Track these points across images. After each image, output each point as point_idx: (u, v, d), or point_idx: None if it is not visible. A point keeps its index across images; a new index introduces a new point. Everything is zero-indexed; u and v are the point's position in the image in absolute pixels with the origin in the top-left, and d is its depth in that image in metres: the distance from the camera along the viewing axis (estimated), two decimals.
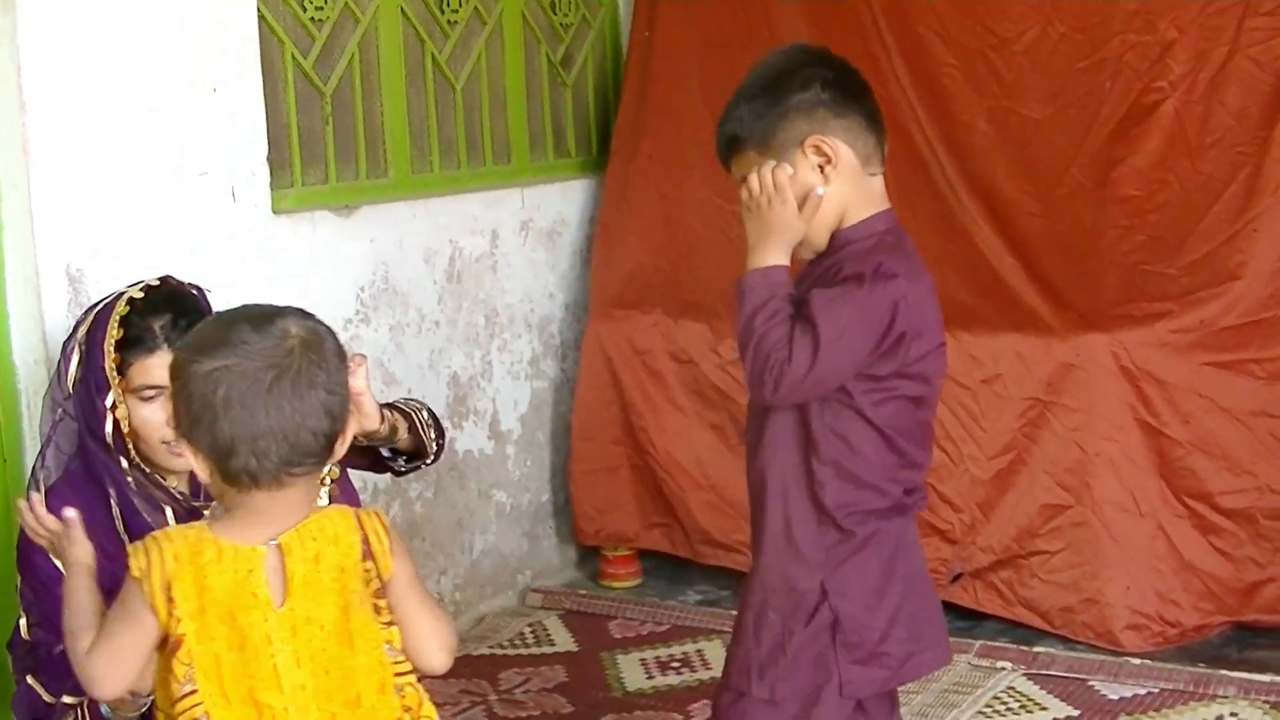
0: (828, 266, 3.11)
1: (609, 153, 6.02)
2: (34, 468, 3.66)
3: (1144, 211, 5.06)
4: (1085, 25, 5.21)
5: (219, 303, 4.24)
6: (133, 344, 3.45)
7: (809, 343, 2.98)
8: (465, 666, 4.92)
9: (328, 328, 2.64)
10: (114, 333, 3.46)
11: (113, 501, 3.50)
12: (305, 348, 2.54)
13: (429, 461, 3.84)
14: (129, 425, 3.47)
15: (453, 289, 5.27)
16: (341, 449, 2.61)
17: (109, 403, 3.46)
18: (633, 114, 5.96)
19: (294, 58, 4.83)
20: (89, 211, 4.10)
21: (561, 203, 5.87)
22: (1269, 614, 4.89)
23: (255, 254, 4.57)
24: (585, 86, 6.14)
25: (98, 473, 3.50)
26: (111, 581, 3.40)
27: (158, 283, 3.57)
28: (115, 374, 3.44)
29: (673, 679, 4.84)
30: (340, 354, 2.62)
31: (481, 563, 5.47)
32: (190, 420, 2.52)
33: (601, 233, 5.88)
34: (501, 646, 5.16)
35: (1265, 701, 4.44)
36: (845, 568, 3.08)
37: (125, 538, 3.49)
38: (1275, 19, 4.98)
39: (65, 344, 3.58)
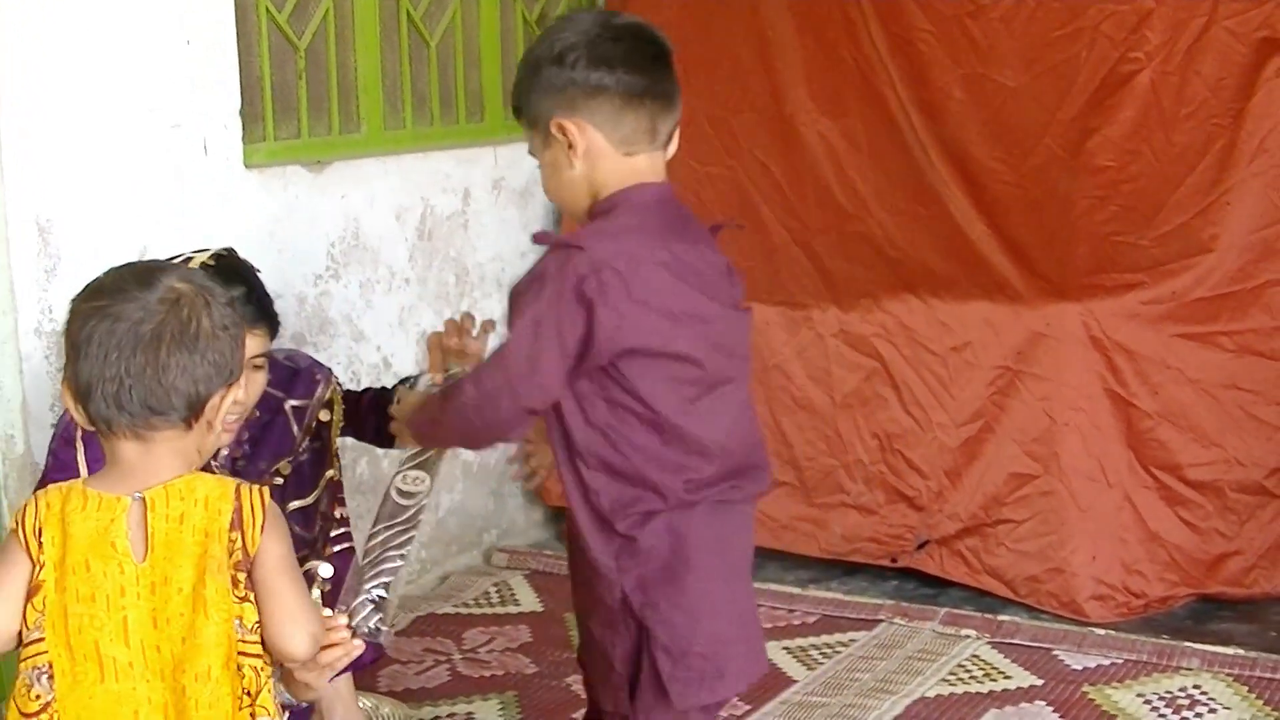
0: None
1: None
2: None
3: (1117, 182, 5.05)
4: None
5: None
6: None
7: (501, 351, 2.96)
8: (430, 625, 4.92)
9: (220, 296, 2.60)
10: None
11: None
12: (180, 306, 2.51)
13: None
14: None
15: (424, 246, 5.25)
16: (214, 416, 2.59)
17: None
18: None
19: (269, 11, 4.79)
20: (59, 162, 4.07)
21: (535, 162, 5.83)
22: (1234, 586, 4.92)
23: (226, 207, 4.54)
24: None
25: None
26: None
27: (224, 253, 3.60)
28: None
29: None
30: (230, 323, 2.59)
31: (447, 521, 5.46)
32: (65, 359, 2.53)
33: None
34: (466, 605, 5.15)
35: (1228, 674, 4.45)
36: (641, 574, 2.95)
37: None
38: None
39: None
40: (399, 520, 3.35)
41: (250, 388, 3.55)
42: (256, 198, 4.67)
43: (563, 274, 2.84)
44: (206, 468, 3.48)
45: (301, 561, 3.74)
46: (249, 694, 2.57)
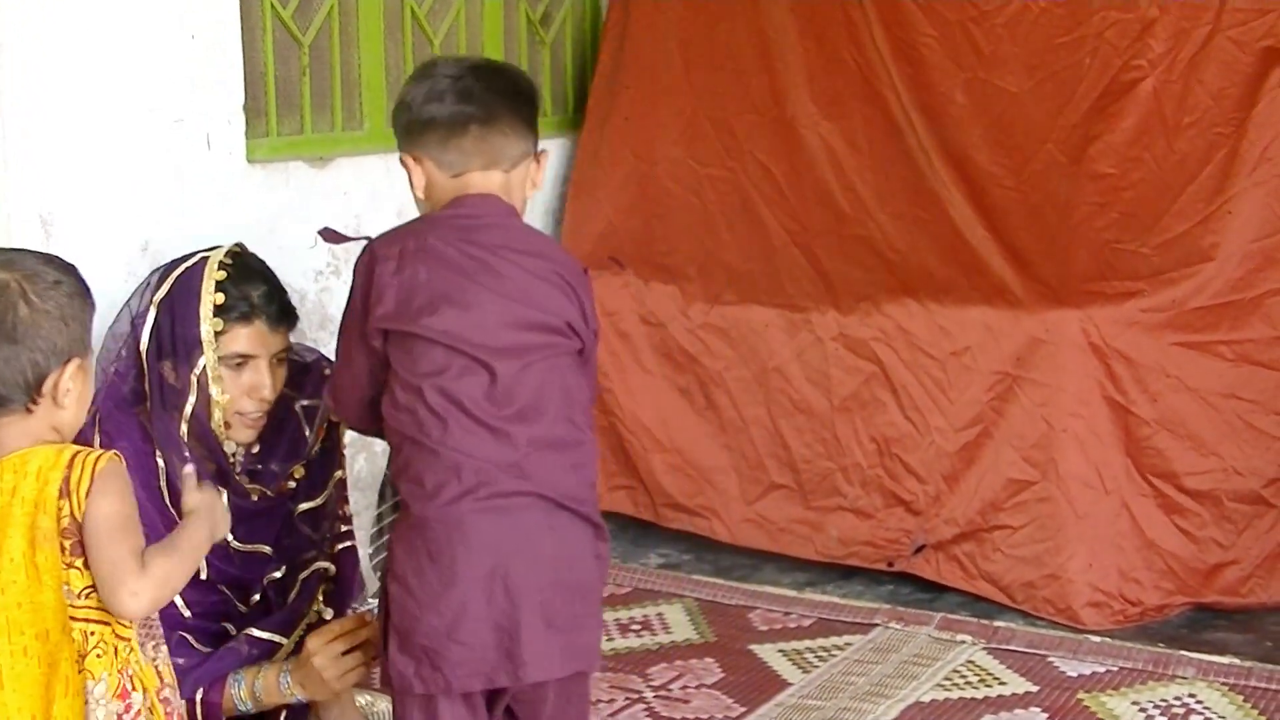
0: None
1: (584, 112, 6.01)
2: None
3: (1118, 189, 5.06)
4: (1066, 0, 5.20)
5: (191, 249, 4.24)
6: (229, 310, 3.53)
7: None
8: None
9: (46, 278, 2.75)
10: (212, 298, 3.49)
11: (160, 467, 3.52)
12: (10, 294, 2.67)
13: None
14: (221, 394, 3.52)
15: None
16: (60, 393, 2.73)
17: (197, 371, 3.51)
18: (610, 74, 5.94)
19: (273, 7, 4.80)
20: (62, 157, 4.06)
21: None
22: (1230, 596, 4.91)
23: (228, 203, 4.54)
24: (563, 45, 6.12)
25: (154, 434, 3.54)
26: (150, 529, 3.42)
27: (238, 248, 3.64)
28: (214, 341, 3.50)
29: (633, 641, 4.83)
30: (56, 305, 2.72)
31: None
32: None
33: (574, 192, 5.87)
34: None
35: (1224, 683, 4.45)
36: (395, 550, 3.10)
37: (166, 494, 3.50)
38: (1257, 0, 4.98)
39: (135, 305, 3.59)
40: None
41: (275, 383, 3.61)
42: (259, 193, 4.67)
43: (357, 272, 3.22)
44: (228, 471, 3.54)
45: (308, 563, 3.76)
46: (81, 655, 2.71)
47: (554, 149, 5.94)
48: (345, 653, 3.52)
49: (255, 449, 3.70)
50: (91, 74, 4.13)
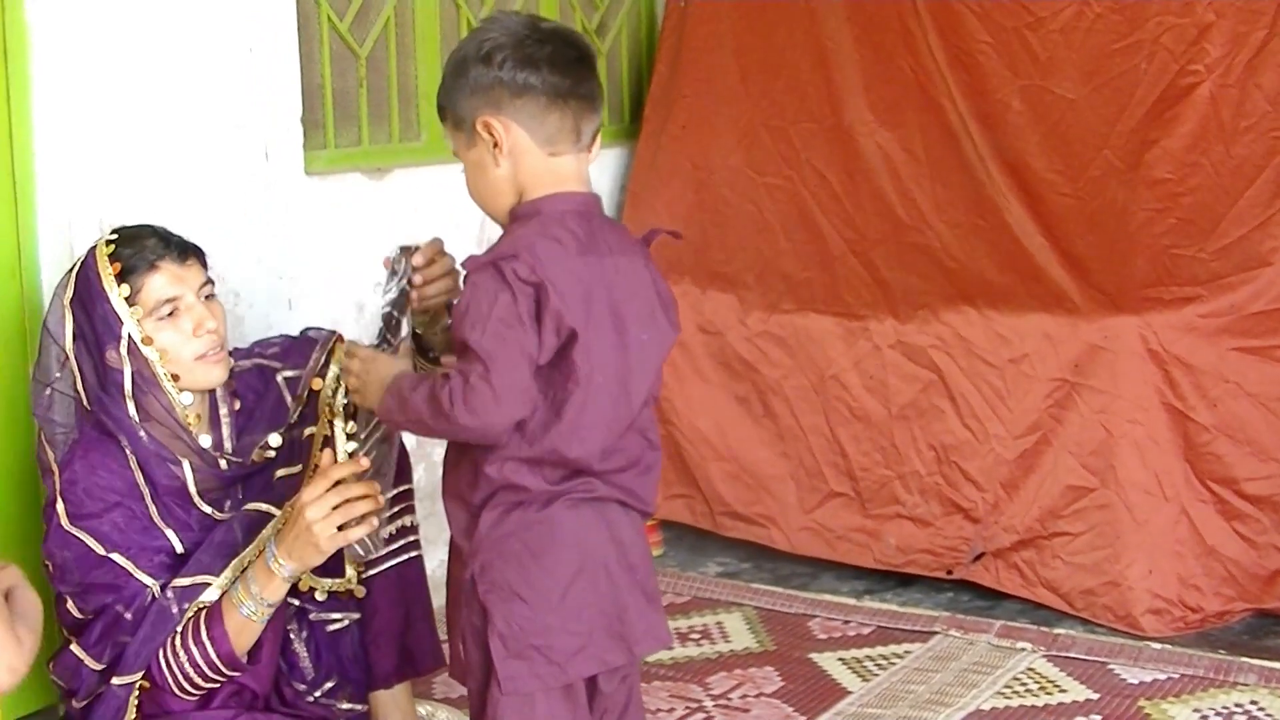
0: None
1: (641, 121, 6.02)
2: (39, 451, 3.67)
3: (1176, 194, 5.04)
4: (1122, 6, 5.19)
5: (250, 260, 4.27)
6: (133, 270, 3.51)
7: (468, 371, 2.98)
8: None
9: None
10: (110, 269, 3.49)
11: (129, 456, 3.51)
12: None
13: None
14: (159, 353, 3.49)
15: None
16: None
17: (124, 345, 3.49)
18: (666, 83, 5.95)
19: (330, 19, 4.83)
20: (123, 166, 4.10)
21: (593, 170, 5.83)
22: None
23: (286, 214, 4.57)
24: (619, 55, 6.14)
25: (111, 431, 3.52)
26: (139, 532, 3.44)
27: (119, 227, 3.64)
28: (127, 306, 3.47)
29: (692, 650, 4.83)
30: None
31: None
32: None
33: (631, 201, 5.88)
34: None
35: None
36: (488, 559, 3.06)
37: (145, 491, 3.52)
38: None
39: (46, 319, 3.61)
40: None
41: (216, 315, 3.59)
42: (316, 205, 4.70)
43: (506, 284, 2.91)
44: (215, 464, 3.54)
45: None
46: None
47: (611, 158, 5.96)
48: (338, 508, 3.40)
49: (241, 419, 3.72)
50: (152, 85, 4.17)
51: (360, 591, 3.79)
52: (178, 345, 3.52)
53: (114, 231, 3.60)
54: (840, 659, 4.75)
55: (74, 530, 3.45)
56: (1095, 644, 4.75)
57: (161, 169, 4.20)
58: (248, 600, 3.44)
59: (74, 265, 3.61)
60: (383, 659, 3.88)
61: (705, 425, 5.59)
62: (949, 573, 5.17)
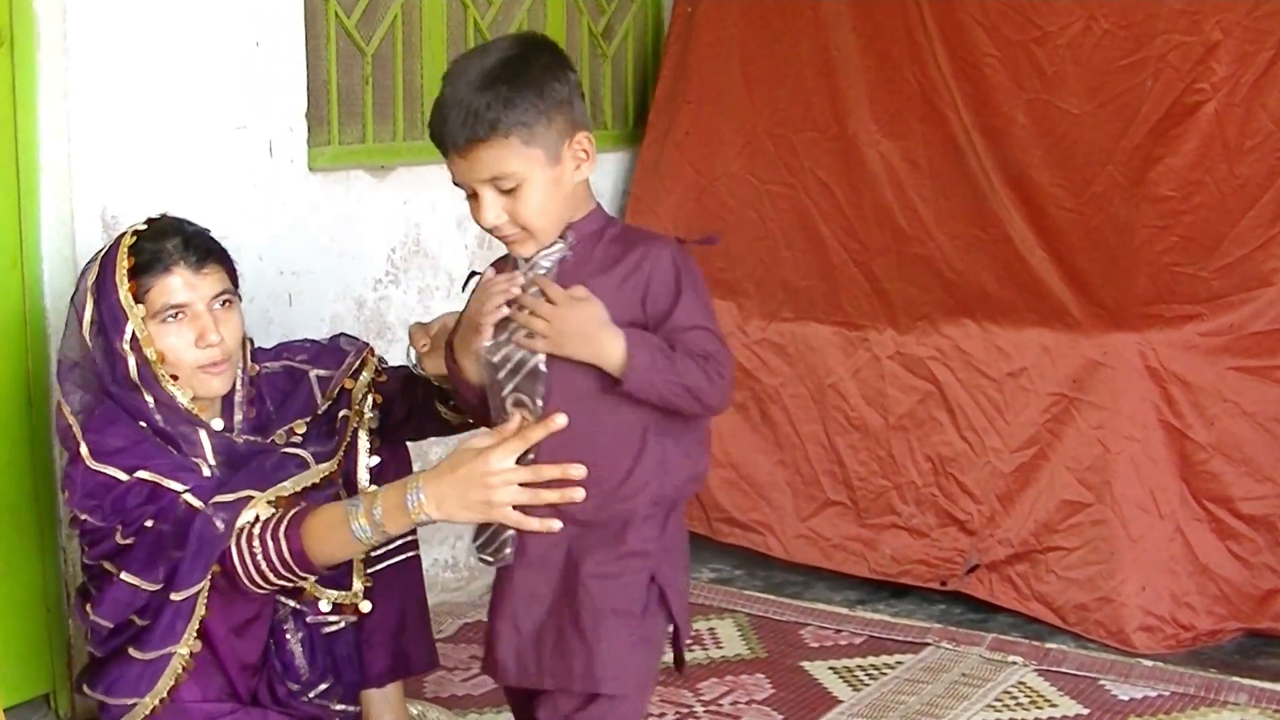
0: (618, 254, 3.09)
1: (645, 126, 6.02)
2: (57, 418, 3.66)
3: (1179, 212, 5.04)
4: (1129, 23, 5.20)
5: (251, 256, 4.27)
6: (146, 268, 3.49)
7: (720, 345, 3.08)
8: (475, 631, 4.92)
9: None
10: (125, 263, 3.48)
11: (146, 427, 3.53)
12: None
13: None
14: (157, 355, 3.49)
15: (483, 255, 5.26)
16: None
17: (127, 338, 3.48)
18: (671, 89, 5.96)
19: (337, 16, 4.83)
20: (126, 158, 4.11)
21: (595, 174, 5.83)
22: None
23: (289, 209, 4.57)
24: (625, 59, 6.14)
25: (127, 409, 3.53)
26: (165, 457, 3.44)
27: (158, 216, 3.61)
28: (133, 303, 3.47)
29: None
30: None
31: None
32: None
33: (633, 206, 5.88)
34: None
35: (1277, 710, 4.41)
36: (668, 557, 3.16)
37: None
38: None
39: (73, 297, 3.60)
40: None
41: (224, 328, 3.56)
42: (319, 201, 4.70)
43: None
44: (230, 441, 3.55)
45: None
46: None
47: (614, 162, 5.96)
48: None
49: (270, 409, 3.72)
50: (157, 79, 4.17)
51: (365, 606, 3.77)
52: (179, 350, 3.51)
53: (146, 221, 3.59)
54: (831, 668, 4.74)
55: (98, 466, 3.43)
56: (1087, 659, 4.75)
57: (165, 163, 4.20)
58: (367, 525, 3.25)
59: (104, 248, 3.60)
60: (376, 659, 3.88)
61: None
62: (943, 584, 5.17)
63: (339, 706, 3.85)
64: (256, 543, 3.35)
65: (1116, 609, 4.82)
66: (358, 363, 3.80)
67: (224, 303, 3.57)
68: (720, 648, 4.89)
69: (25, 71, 3.92)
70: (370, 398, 3.75)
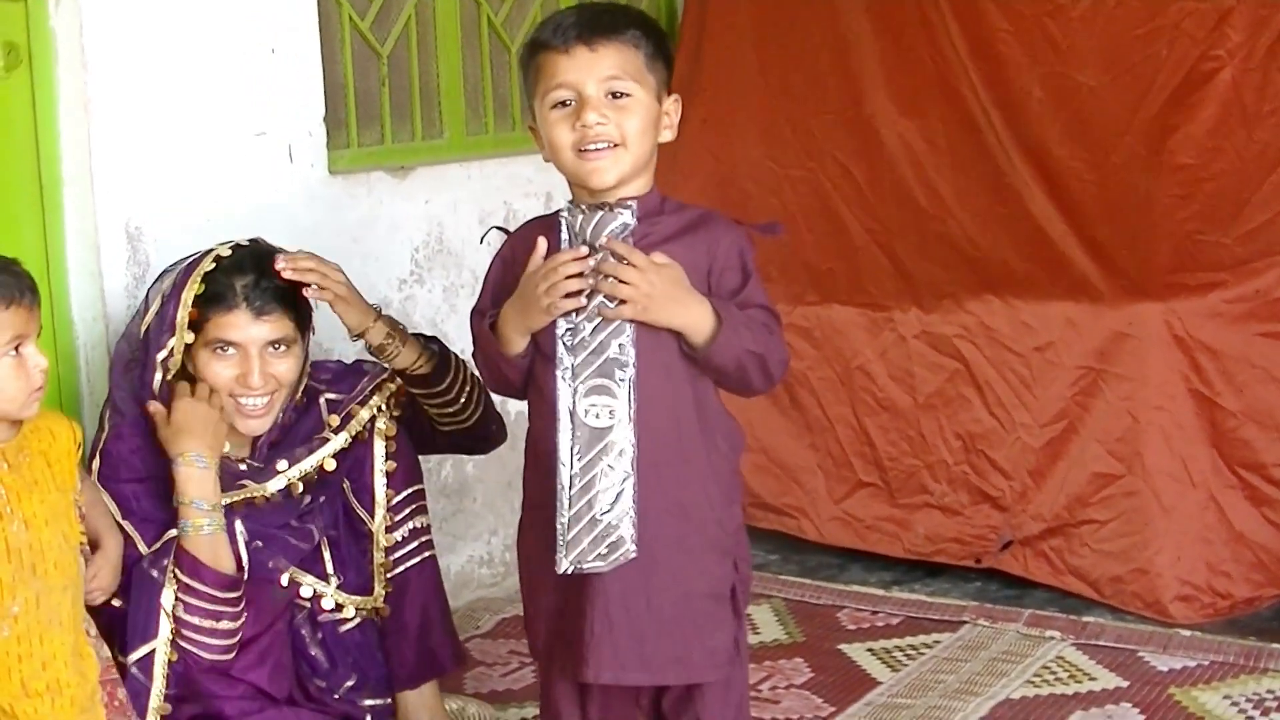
0: (683, 227, 3.13)
1: None
2: (104, 408, 3.75)
3: (1199, 180, 5.03)
4: None
5: None
6: (213, 300, 3.56)
7: (780, 326, 3.19)
8: (512, 627, 4.92)
9: None
10: (195, 287, 3.55)
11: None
12: None
13: (467, 417, 3.87)
14: (199, 376, 3.57)
15: None
16: None
17: (164, 354, 3.55)
18: (686, 78, 5.94)
19: (351, 19, 4.84)
20: (148, 170, 4.12)
21: None
22: None
23: (311, 214, 4.58)
24: None
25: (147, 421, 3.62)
26: (152, 505, 3.50)
27: (248, 243, 3.65)
28: (186, 328, 3.54)
29: None
30: None
31: None
32: None
33: None
34: None
35: None
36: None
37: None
38: None
39: (149, 292, 3.66)
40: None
41: (279, 371, 3.64)
42: (341, 204, 4.71)
43: None
44: (241, 460, 3.62)
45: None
46: None
47: None
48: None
49: (278, 433, 3.77)
50: (176, 89, 4.18)
51: (386, 610, 3.85)
52: (218, 383, 3.60)
53: (233, 247, 3.66)
54: (869, 649, 4.75)
55: (101, 486, 3.54)
56: (1124, 631, 4.75)
57: (186, 172, 4.21)
58: (192, 519, 3.50)
59: (192, 256, 3.68)
60: (404, 660, 3.92)
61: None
62: (977, 561, 5.17)
63: (368, 701, 3.88)
64: (180, 606, 3.48)
65: (1152, 580, 4.82)
66: (371, 387, 3.87)
67: (282, 348, 3.63)
68: (758, 633, 4.90)
69: (45, 88, 3.93)
70: (385, 414, 3.87)
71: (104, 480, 3.56)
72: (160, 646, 3.47)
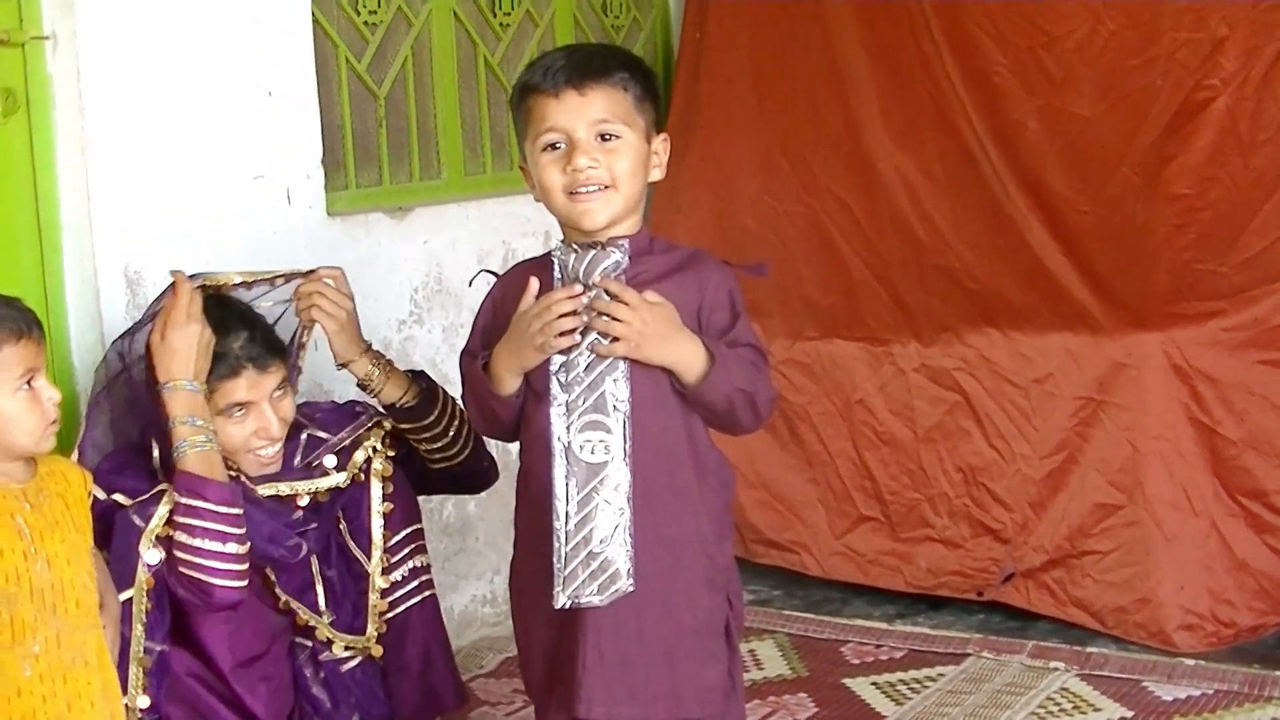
0: (673, 266, 3.19)
1: None
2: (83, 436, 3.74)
3: (1195, 209, 5.04)
4: (1136, 23, 5.20)
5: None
6: (214, 367, 3.57)
7: (768, 366, 3.19)
8: (515, 665, 4.91)
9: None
10: None
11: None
12: None
13: (457, 453, 3.88)
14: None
15: None
16: None
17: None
18: (684, 114, 5.97)
19: (348, 61, 4.86)
20: (147, 213, 4.12)
21: None
22: None
23: (310, 255, 4.58)
24: None
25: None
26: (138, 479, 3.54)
27: (208, 298, 3.66)
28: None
29: None
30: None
31: None
32: None
33: (652, 232, 5.86)
34: None
35: None
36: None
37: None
38: None
39: (133, 343, 3.69)
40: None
41: (287, 413, 3.70)
42: (339, 245, 4.72)
43: None
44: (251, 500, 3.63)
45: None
46: None
47: None
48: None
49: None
50: (173, 134, 4.19)
51: (377, 651, 3.85)
52: (235, 440, 3.63)
53: (214, 291, 3.69)
54: (874, 683, 4.75)
55: (99, 493, 3.51)
56: (1128, 661, 4.75)
57: (185, 216, 4.22)
58: (188, 436, 3.48)
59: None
60: (406, 699, 3.91)
61: (733, 453, 5.54)
62: (980, 594, 5.17)
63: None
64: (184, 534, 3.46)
65: (1155, 609, 4.82)
66: (357, 432, 3.89)
67: (281, 394, 3.69)
68: (761, 669, 4.89)
69: (43, 133, 3.94)
70: (381, 455, 3.87)
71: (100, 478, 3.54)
72: (137, 594, 3.45)
